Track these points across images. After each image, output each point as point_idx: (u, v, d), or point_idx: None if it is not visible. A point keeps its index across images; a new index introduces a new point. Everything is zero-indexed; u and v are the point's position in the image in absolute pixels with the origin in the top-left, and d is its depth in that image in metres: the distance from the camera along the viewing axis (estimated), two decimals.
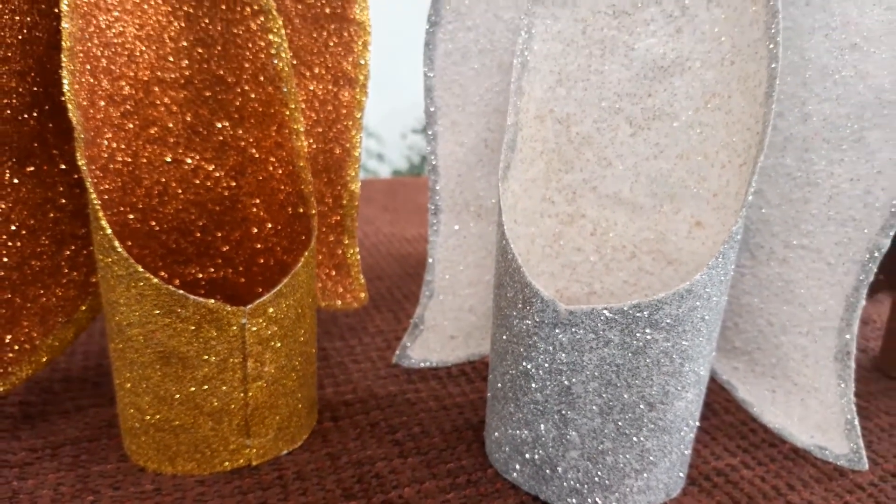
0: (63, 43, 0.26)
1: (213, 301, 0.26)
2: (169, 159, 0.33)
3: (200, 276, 0.35)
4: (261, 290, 0.35)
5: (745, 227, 0.31)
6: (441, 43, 0.32)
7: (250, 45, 0.31)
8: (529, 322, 0.26)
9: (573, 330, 0.25)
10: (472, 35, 0.32)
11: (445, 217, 0.35)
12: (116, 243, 0.26)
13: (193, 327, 0.27)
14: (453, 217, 0.35)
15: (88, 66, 0.28)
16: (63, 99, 0.29)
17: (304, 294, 0.30)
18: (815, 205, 0.29)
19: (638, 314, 0.25)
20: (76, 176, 0.31)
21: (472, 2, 0.32)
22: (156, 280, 0.26)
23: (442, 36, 0.32)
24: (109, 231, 0.26)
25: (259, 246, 0.35)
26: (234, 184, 0.34)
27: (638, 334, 0.25)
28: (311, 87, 0.34)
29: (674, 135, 0.31)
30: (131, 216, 0.32)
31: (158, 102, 0.31)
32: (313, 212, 0.31)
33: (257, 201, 0.34)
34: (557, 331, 0.25)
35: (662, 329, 0.25)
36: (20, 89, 0.28)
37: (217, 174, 0.33)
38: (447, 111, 0.33)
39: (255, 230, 0.34)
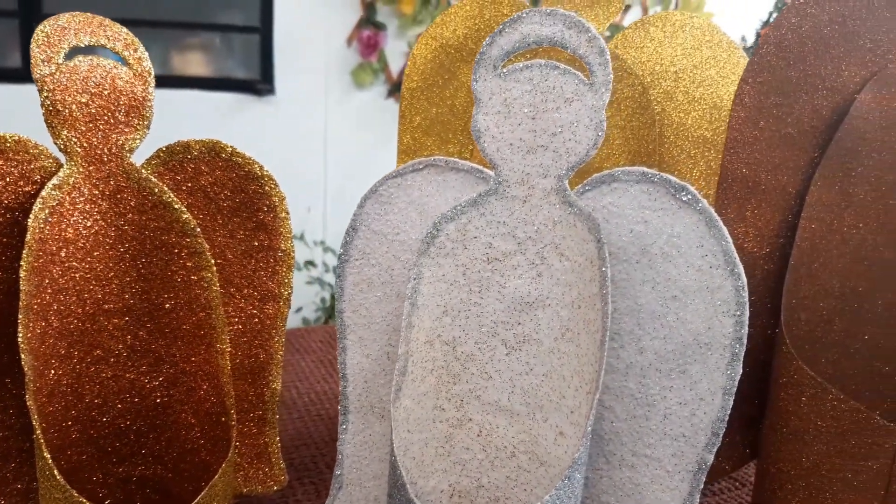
0: (21, 302, 0.31)
1: None
2: (109, 375, 0.37)
3: (133, 473, 0.39)
4: (186, 484, 0.39)
5: (601, 436, 0.37)
6: (349, 275, 0.39)
7: (185, 280, 0.37)
8: None
9: None
10: (376, 270, 0.38)
11: (353, 417, 0.40)
12: (56, 472, 0.30)
13: None
14: (360, 418, 0.40)
15: (41, 313, 0.33)
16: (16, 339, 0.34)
17: (220, 501, 0.34)
18: (654, 421, 0.35)
19: None
20: (23, 399, 0.35)
21: (375, 245, 0.38)
22: None
23: (350, 270, 0.39)
24: (51, 461, 0.30)
25: (187, 447, 0.39)
26: (166, 394, 0.39)
27: None
28: (241, 305, 0.40)
29: (540, 356, 0.37)
30: (73, 428, 0.37)
31: (102, 329, 0.37)
32: (233, 423, 0.36)
33: (186, 408, 0.39)
34: None
35: None
36: None
37: (151, 385, 0.38)
38: (355, 328, 0.39)
39: (184, 433, 0.39)
